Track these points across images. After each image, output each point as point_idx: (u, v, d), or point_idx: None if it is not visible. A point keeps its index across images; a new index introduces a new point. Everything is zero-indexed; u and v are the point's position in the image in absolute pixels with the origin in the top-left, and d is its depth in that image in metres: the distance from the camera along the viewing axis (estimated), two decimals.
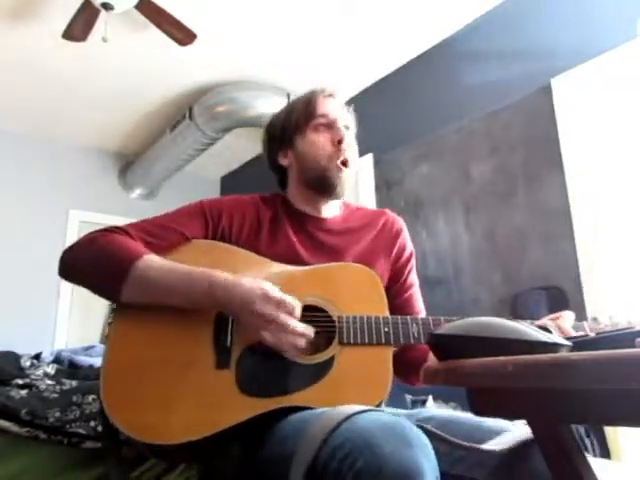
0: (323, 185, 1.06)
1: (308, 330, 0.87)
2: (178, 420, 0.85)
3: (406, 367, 1.05)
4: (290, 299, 0.86)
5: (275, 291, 0.86)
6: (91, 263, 0.95)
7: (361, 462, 0.62)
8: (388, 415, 0.70)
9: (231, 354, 0.90)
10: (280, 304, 0.85)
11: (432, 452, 0.66)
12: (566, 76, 2.28)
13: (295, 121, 1.09)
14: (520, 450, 0.75)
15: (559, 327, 0.91)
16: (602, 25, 2.23)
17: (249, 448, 0.85)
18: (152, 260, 0.91)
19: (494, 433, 0.85)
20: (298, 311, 0.86)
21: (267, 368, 0.88)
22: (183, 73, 3.35)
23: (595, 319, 0.97)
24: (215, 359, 0.89)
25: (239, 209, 1.06)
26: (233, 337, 0.91)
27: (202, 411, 0.86)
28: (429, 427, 0.70)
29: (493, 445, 0.75)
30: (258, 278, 0.91)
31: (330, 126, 1.08)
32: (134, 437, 0.84)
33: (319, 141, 1.07)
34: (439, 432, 0.70)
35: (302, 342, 0.87)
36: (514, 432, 0.81)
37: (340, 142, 1.06)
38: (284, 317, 0.85)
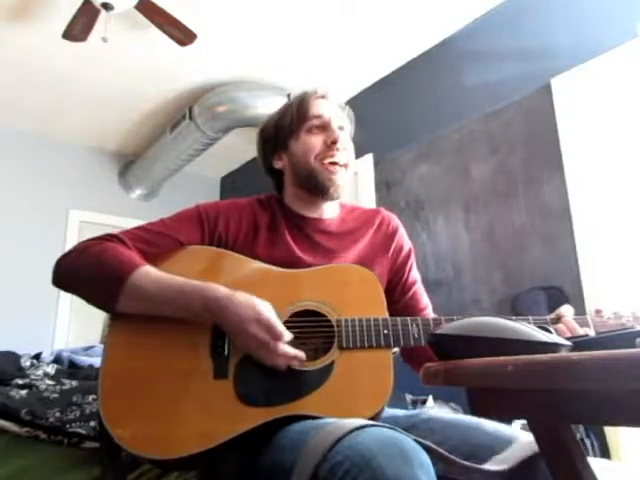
0: (315, 186, 1.05)
1: (299, 354, 0.87)
2: (179, 434, 0.84)
3: (421, 360, 1.04)
4: (280, 327, 0.86)
5: (267, 312, 0.86)
6: (86, 272, 0.93)
7: None
8: (388, 431, 0.69)
9: (229, 363, 0.89)
10: (270, 330, 0.85)
11: (432, 469, 0.66)
12: (566, 76, 2.28)
13: (289, 124, 1.08)
14: (522, 469, 0.74)
15: (568, 327, 0.91)
16: (602, 25, 2.23)
17: (248, 456, 0.84)
18: (147, 272, 0.90)
19: (494, 437, 0.84)
20: (287, 338, 0.86)
21: (266, 377, 0.87)
22: (183, 73, 3.35)
23: (598, 311, 0.96)
24: (213, 369, 0.89)
25: (235, 213, 1.04)
26: (230, 345, 0.90)
27: (203, 423, 0.85)
28: (429, 443, 0.69)
29: (494, 465, 0.74)
30: (254, 286, 0.90)
31: (324, 127, 1.07)
32: (136, 453, 0.83)
33: (311, 142, 1.06)
34: (440, 450, 0.69)
35: (295, 363, 0.87)
36: (515, 447, 0.80)
37: (334, 143, 1.05)
38: (273, 342, 0.85)
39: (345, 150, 1.07)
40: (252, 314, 0.85)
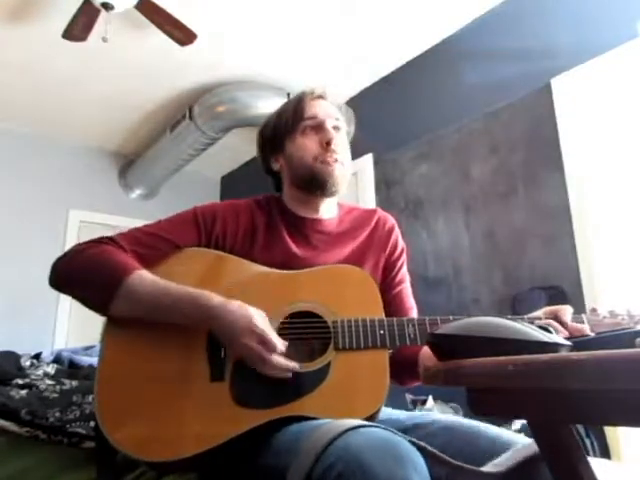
0: (313, 183, 1.04)
1: (291, 365, 0.87)
2: (175, 436, 0.84)
3: (396, 367, 1.02)
4: (274, 337, 0.86)
5: (261, 323, 0.86)
6: (81, 275, 0.94)
7: None
8: (383, 432, 0.68)
9: (225, 366, 0.89)
10: (264, 342, 0.85)
11: (426, 472, 0.65)
12: (566, 76, 2.28)
13: (284, 125, 1.07)
14: (521, 471, 0.73)
15: (562, 324, 0.91)
16: (602, 25, 2.23)
17: (246, 458, 0.84)
18: (142, 276, 0.90)
19: (495, 442, 0.83)
20: (280, 349, 0.87)
21: (262, 378, 0.87)
22: (183, 73, 3.34)
23: (594, 310, 0.96)
24: (209, 371, 0.89)
25: (233, 215, 1.04)
26: (227, 348, 0.90)
27: (199, 426, 0.85)
28: (424, 445, 0.68)
29: (493, 467, 0.73)
30: (251, 288, 0.91)
31: (319, 128, 1.06)
32: (132, 456, 0.83)
33: (307, 144, 1.05)
34: (436, 452, 0.68)
35: (288, 374, 0.87)
36: (514, 450, 0.79)
37: (328, 143, 1.04)
38: (267, 354, 0.85)
39: (340, 150, 1.06)
40: (246, 325, 0.85)
